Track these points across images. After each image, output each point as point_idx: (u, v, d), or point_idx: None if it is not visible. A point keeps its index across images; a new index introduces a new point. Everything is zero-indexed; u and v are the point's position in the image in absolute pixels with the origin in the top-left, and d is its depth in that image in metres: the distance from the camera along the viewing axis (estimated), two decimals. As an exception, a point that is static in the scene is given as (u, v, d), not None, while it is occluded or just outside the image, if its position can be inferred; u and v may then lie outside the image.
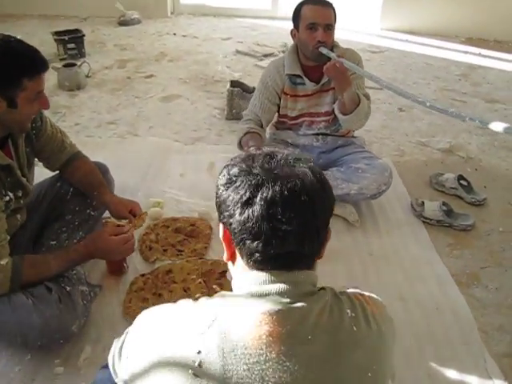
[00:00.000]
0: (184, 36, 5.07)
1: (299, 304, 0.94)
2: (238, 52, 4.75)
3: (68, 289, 1.83)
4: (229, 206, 0.99)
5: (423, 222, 2.77)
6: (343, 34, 5.41)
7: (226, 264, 1.38)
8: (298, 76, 2.61)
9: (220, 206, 1.03)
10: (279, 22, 5.52)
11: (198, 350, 0.91)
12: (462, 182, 3.04)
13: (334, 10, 2.45)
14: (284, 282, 0.96)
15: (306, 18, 2.44)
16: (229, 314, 0.94)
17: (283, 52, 4.83)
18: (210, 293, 2.09)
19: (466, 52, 5.26)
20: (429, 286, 2.32)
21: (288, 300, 0.94)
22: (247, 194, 0.96)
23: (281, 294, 0.95)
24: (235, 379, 0.88)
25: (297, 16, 2.49)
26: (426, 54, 5.11)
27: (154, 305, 1.90)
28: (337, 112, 2.56)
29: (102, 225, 2.25)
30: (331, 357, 0.92)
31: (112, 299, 2.09)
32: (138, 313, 1.79)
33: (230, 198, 0.99)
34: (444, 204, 2.81)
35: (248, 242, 0.97)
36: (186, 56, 4.61)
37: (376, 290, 1.23)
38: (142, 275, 2.19)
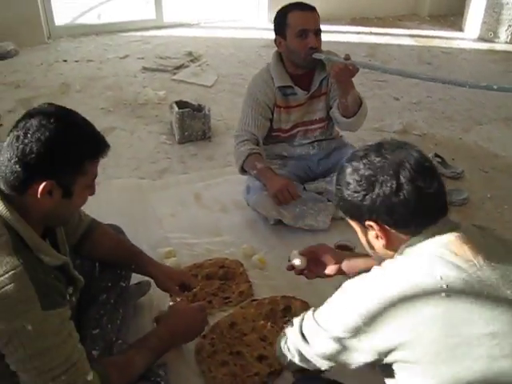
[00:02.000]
0: (77, 61, 4.60)
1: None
2: (145, 69, 4.43)
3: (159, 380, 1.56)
4: (379, 200, 1.14)
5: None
6: (235, 32, 5.36)
7: (283, 298, 1.99)
8: (289, 87, 2.47)
9: (362, 207, 1.17)
10: (168, 31, 5.25)
11: (439, 276, 1.05)
12: (436, 159, 3.12)
13: (317, 13, 2.36)
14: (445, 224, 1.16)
15: (294, 26, 2.31)
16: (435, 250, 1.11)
17: (192, 61, 4.62)
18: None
19: (358, 32, 5.45)
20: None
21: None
22: (394, 183, 1.12)
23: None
24: (482, 284, 1.05)
25: (282, 24, 2.35)
26: (325, 41, 5.18)
27: (237, 365, 1.73)
28: (338, 116, 2.47)
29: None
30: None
31: (186, 373, 1.81)
32: (227, 380, 1.69)
33: (380, 193, 1.13)
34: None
35: (408, 216, 1.14)
36: (93, 83, 4.19)
37: None
38: (203, 337, 1.93)
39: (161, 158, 3.16)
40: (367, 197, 1.16)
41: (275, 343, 1.88)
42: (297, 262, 1.75)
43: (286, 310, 2.06)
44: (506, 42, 5.33)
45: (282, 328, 1.94)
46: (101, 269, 1.85)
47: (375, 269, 1.17)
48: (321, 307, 1.29)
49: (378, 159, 1.17)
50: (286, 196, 2.33)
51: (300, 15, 2.32)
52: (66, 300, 1.36)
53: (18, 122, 1.25)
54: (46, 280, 1.22)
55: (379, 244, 1.23)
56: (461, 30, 5.69)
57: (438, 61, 4.87)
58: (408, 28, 5.72)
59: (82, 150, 1.27)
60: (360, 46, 5.08)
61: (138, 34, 5.27)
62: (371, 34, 5.47)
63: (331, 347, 1.19)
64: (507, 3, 5.14)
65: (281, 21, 2.37)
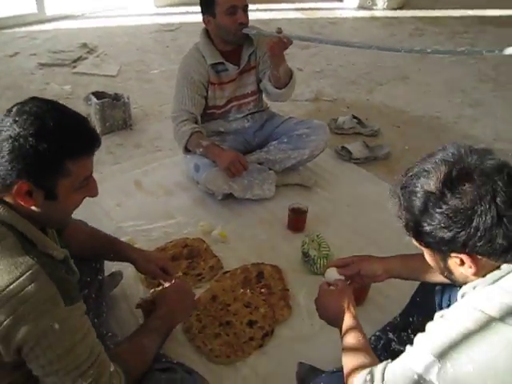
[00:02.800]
0: (-40, 64, 4.26)
1: None
2: (42, 65, 4.20)
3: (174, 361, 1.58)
4: (478, 234, 0.99)
5: (354, 163, 2.98)
6: (124, 20, 5.25)
7: (253, 266, 2.08)
8: (220, 63, 2.51)
9: (451, 242, 1.03)
10: (53, 24, 4.99)
11: None
12: (354, 120, 3.33)
13: None
14: None
15: (223, 3, 2.34)
16: None
17: (89, 53, 4.46)
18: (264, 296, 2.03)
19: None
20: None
21: None
22: (494, 212, 0.98)
23: None
24: None
25: (210, 2, 2.37)
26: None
27: (229, 335, 1.78)
28: (270, 87, 2.55)
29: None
30: None
31: (182, 352, 1.83)
32: (232, 351, 1.80)
33: (479, 227, 0.99)
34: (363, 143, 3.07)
35: (508, 246, 1.00)
36: (-12, 84, 3.92)
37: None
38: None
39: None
40: (462, 232, 1.00)
41: (260, 307, 1.97)
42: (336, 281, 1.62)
43: (259, 276, 2.13)
44: (384, 9, 5.72)
45: (261, 293, 2.03)
46: (77, 264, 1.79)
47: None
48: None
49: (467, 184, 1.00)
50: (238, 167, 2.39)
51: None
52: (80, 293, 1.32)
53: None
54: (61, 275, 1.17)
55: (463, 271, 1.09)
56: (340, 0, 5.99)
57: (327, 31, 5.11)
58: (292, 2, 5.92)
59: (58, 148, 1.14)
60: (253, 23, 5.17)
61: (23, 29, 4.96)
62: (258, 10, 5.58)
63: None
64: (381, -27, 5.53)
65: (209, 0, 2.39)
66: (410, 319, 1.73)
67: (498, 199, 0.98)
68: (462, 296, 1.11)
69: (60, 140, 1.14)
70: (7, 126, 1.12)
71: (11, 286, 1.05)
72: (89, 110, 3.27)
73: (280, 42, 2.31)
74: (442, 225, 1.02)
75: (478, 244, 1.00)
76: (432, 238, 1.05)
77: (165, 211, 2.54)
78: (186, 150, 2.51)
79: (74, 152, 1.17)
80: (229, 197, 2.56)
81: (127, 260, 1.81)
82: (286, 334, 1.92)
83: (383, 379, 1.13)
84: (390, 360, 1.18)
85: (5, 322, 1.05)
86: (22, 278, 1.06)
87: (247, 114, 2.72)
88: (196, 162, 2.49)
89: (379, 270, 1.66)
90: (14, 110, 1.15)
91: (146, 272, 1.81)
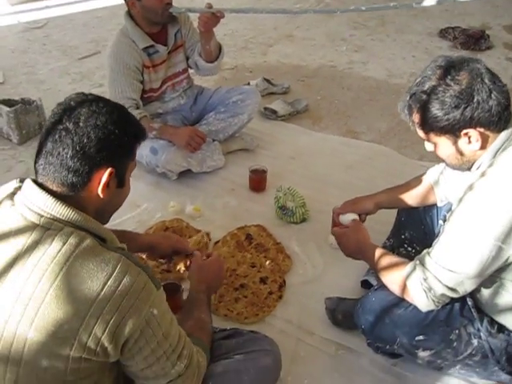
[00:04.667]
0: None
1: None
2: None
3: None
4: (480, 107, 1.31)
5: (281, 120, 3.16)
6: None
7: (239, 229, 2.27)
8: (151, 46, 2.52)
9: (461, 119, 1.33)
10: None
11: None
12: (265, 81, 3.49)
13: None
14: None
15: None
16: None
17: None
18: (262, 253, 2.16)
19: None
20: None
21: None
22: (486, 88, 1.31)
23: None
24: None
25: None
26: (87, 10, 5.07)
27: (248, 296, 1.90)
28: (202, 62, 2.62)
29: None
30: None
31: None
32: (258, 309, 1.95)
33: (479, 100, 1.31)
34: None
35: (501, 113, 1.33)
36: None
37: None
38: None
39: (13, 164, 2.89)
40: (468, 108, 1.31)
41: (264, 264, 2.09)
42: (353, 217, 1.90)
43: (249, 237, 2.25)
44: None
45: (258, 252, 2.15)
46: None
47: (480, 186, 1.32)
48: (441, 253, 1.37)
49: (461, 73, 1.32)
50: (198, 140, 2.45)
51: None
52: None
53: (54, 118, 1.14)
54: (141, 264, 1.21)
55: (472, 148, 1.37)
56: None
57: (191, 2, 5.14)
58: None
59: (134, 132, 1.23)
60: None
61: None
62: None
63: (479, 281, 1.35)
64: None
65: None
66: (402, 236, 2.00)
67: (486, 79, 1.31)
68: (471, 187, 1.36)
69: (133, 126, 1.22)
70: (86, 116, 1.13)
71: (109, 282, 1.06)
72: (-3, 121, 3.07)
73: (213, 16, 2.38)
74: (453, 105, 1.32)
75: (481, 114, 1.31)
76: (446, 121, 1.35)
77: (129, 202, 2.45)
78: None
79: (141, 136, 1.25)
80: (181, 175, 2.60)
81: (145, 246, 1.79)
82: (296, 281, 2.07)
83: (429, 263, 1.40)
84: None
85: (111, 321, 1.05)
86: (115, 272, 1.08)
87: (181, 92, 2.76)
88: (152, 146, 2.50)
89: (371, 205, 1.94)
90: (77, 102, 1.16)
91: (173, 252, 1.81)
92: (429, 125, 1.40)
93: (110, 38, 4.31)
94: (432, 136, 1.44)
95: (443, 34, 4.34)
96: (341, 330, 1.87)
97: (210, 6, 2.40)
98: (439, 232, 1.88)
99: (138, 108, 2.48)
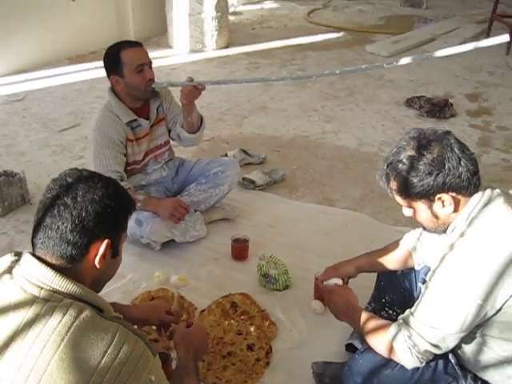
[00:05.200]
0: None
1: None
2: None
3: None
4: (451, 174, 1.43)
5: (259, 190, 3.28)
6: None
7: (224, 298, 2.32)
8: (133, 120, 2.63)
9: (434, 185, 1.45)
10: None
11: None
12: (242, 153, 3.62)
13: None
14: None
15: (131, 62, 2.47)
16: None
17: None
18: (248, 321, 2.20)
19: (81, 70, 5.58)
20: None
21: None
22: (455, 155, 1.45)
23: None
24: None
25: (117, 63, 2.49)
26: (66, 83, 5.21)
27: (236, 363, 1.94)
28: (184, 134, 2.74)
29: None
30: None
31: None
32: (246, 376, 1.99)
33: (450, 167, 1.43)
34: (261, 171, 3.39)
35: (470, 179, 1.45)
36: None
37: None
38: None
39: (-5, 237, 2.91)
40: (440, 175, 1.43)
41: (250, 331, 2.14)
42: (338, 282, 2.01)
43: (234, 305, 2.29)
44: (214, 49, 6.16)
45: (243, 319, 2.20)
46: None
47: (461, 246, 1.42)
48: (424, 311, 1.47)
49: (432, 143, 1.46)
50: (181, 211, 2.53)
51: (134, 52, 2.49)
52: None
53: (51, 194, 1.21)
54: (138, 332, 1.26)
55: (446, 211, 1.49)
56: (170, 47, 6.30)
57: (169, 77, 5.35)
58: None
59: (127, 204, 1.31)
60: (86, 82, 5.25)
61: None
62: (97, 68, 5.64)
63: (460, 337, 1.43)
64: (206, 17, 5.97)
65: (114, 60, 2.49)
66: (383, 300, 2.09)
67: (455, 148, 1.45)
68: (451, 247, 1.46)
69: (125, 198, 1.31)
70: (84, 191, 1.21)
71: (109, 351, 1.10)
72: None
73: (194, 89, 2.52)
74: (426, 171, 1.44)
75: (452, 180, 1.43)
76: (420, 187, 1.46)
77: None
78: None
79: (132, 208, 1.35)
80: (164, 245, 2.66)
81: (132, 322, 1.82)
82: (282, 347, 2.12)
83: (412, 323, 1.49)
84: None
85: None
86: (115, 341, 1.12)
87: (163, 164, 2.86)
88: (137, 217, 2.56)
89: (352, 269, 2.03)
90: (73, 178, 1.24)
91: (161, 323, 1.87)
92: (406, 191, 1.52)
93: (89, 111, 4.56)
94: (409, 201, 1.55)
95: (409, 103, 4.59)
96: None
97: (191, 80, 2.53)
98: (419, 294, 1.99)
99: (122, 180, 2.56)
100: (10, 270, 1.21)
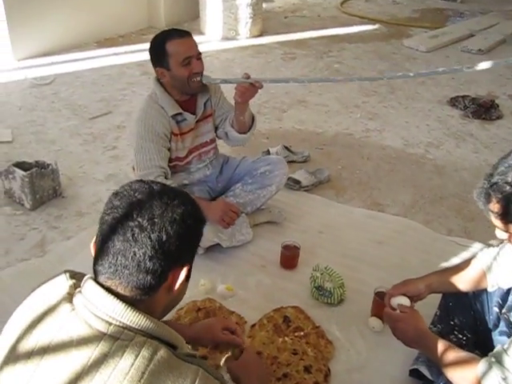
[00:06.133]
0: None
1: None
2: None
3: None
4: None
5: (304, 191, 3.10)
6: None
7: (275, 312, 2.17)
8: (179, 113, 2.46)
9: None
10: None
11: None
12: (286, 149, 3.45)
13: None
14: None
15: (177, 54, 2.28)
16: None
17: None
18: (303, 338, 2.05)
19: (110, 54, 5.42)
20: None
21: None
22: None
23: None
24: None
25: (162, 55, 2.31)
26: (95, 67, 5.05)
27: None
28: (234, 133, 2.57)
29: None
30: None
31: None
32: None
33: None
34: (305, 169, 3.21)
35: None
36: None
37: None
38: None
39: (25, 231, 2.76)
40: None
41: (307, 350, 1.98)
42: (406, 302, 1.81)
43: (286, 320, 2.13)
44: (247, 37, 5.96)
45: (298, 336, 2.04)
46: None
47: None
48: None
49: None
50: (232, 215, 2.37)
51: (181, 43, 2.29)
52: None
53: (119, 213, 1.03)
54: (218, 375, 1.10)
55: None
56: (202, 33, 6.11)
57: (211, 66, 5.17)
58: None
59: (203, 220, 1.15)
60: (129, 67, 5.08)
61: None
62: (126, 52, 5.48)
63: None
64: (241, 4, 5.76)
65: (160, 52, 2.31)
66: (452, 323, 1.93)
67: None
68: None
69: (200, 212, 1.14)
70: (160, 210, 1.03)
71: None
72: (9, 185, 2.97)
73: (252, 87, 2.34)
74: None
75: None
76: None
77: None
78: None
79: (205, 221, 1.17)
80: (208, 250, 2.51)
81: (186, 341, 1.69)
82: (340, 369, 1.96)
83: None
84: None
85: None
86: None
87: (208, 163, 2.69)
88: None
89: (423, 288, 1.85)
90: (145, 194, 1.06)
91: (216, 343, 1.70)
92: (509, 216, 1.36)
93: (121, 98, 4.40)
94: (509, 226, 1.39)
95: (453, 102, 4.39)
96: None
97: (247, 77, 2.35)
98: (494, 319, 1.83)
99: (166, 177, 2.39)
100: (70, 299, 1.04)
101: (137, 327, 0.99)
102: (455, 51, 5.82)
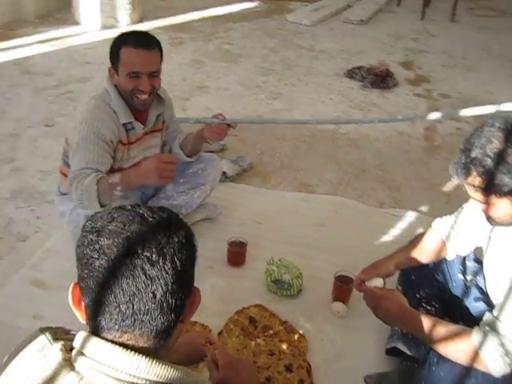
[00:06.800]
0: None
1: None
2: None
3: None
4: None
5: (230, 181, 3.02)
6: None
7: (239, 314, 2.08)
8: (129, 122, 2.24)
9: None
10: None
11: None
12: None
13: (159, 48, 2.12)
14: None
15: (126, 65, 2.06)
16: None
17: None
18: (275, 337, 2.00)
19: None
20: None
21: None
22: None
23: None
24: None
25: (115, 57, 2.08)
26: None
27: None
28: (183, 157, 2.46)
29: None
30: None
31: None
32: None
33: None
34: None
35: None
36: None
37: None
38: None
39: None
40: None
41: (283, 349, 1.93)
42: (380, 283, 1.80)
43: (253, 321, 2.06)
44: (128, 25, 5.64)
45: (268, 335, 1.98)
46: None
47: None
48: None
49: None
50: (169, 167, 2.06)
51: (133, 54, 2.04)
52: None
53: (116, 252, 0.85)
54: None
55: None
56: (77, 23, 5.69)
57: (87, 58, 4.83)
58: (28, 35, 5.35)
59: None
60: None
61: None
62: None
63: None
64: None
65: (114, 53, 2.08)
66: (417, 295, 1.96)
67: None
68: None
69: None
70: (165, 237, 0.88)
71: None
72: None
73: (227, 128, 2.27)
74: None
75: None
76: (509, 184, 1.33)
77: None
78: (100, 204, 2.10)
79: None
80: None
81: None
82: (319, 361, 1.93)
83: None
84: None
85: None
86: None
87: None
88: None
89: (392, 267, 1.88)
90: (137, 223, 0.88)
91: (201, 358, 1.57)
92: (491, 188, 1.38)
93: (5, 103, 3.94)
94: (489, 197, 1.41)
95: (350, 74, 4.50)
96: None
97: (223, 118, 2.25)
98: (461, 286, 1.89)
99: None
100: (70, 366, 0.85)
101: (164, 381, 0.85)
102: (338, 23, 5.99)
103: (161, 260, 0.84)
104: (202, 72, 4.51)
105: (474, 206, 1.70)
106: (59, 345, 0.89)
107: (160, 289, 0.84)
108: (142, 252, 0.84)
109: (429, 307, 1.93)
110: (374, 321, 1.89)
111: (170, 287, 0.84)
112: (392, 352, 1.90)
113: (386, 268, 1.88)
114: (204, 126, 2.35)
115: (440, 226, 1.87)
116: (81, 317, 0.93)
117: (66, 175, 2.32)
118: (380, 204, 2.87)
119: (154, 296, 0.84)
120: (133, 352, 0.83)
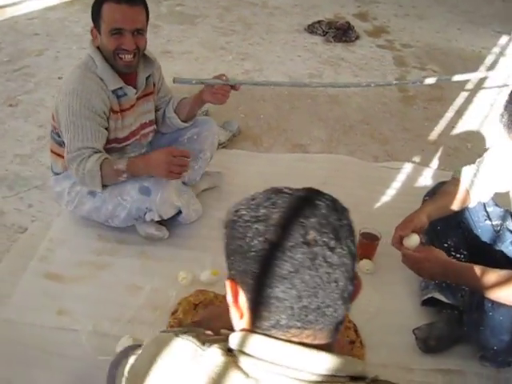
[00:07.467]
0: None
1: None
2: None
3: None
4: None
5: (223, 148, 2.95)
6: None
7: None
8: (119, 88, 2.11)
9: None
10: None
11: None
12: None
13: (144, 5, 1.98)
14: None
15: (108, 22, 1.92)
16: None
17: None
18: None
19: None
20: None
21: None
22: None
23: None
24: None
25: (97, 14, 1.94)
26: None
27: None
28: (177, 120, 2.36)
29: None
30: None
31: None
32: None
33: None
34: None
35: None
36: None
37: None
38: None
39: None
40: None
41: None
42: (417, 239, 1.80)
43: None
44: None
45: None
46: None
47: None
48: None
49: None
50: (180, 162, 2.06)
51: (115, 9, 1.90)
52: None
53: (291, 240, 0.77)
54: None
55: None
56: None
57: (36, 29, 4.49)
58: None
59: None
60: None
61: None
62: None
63: None
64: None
65: (96, 9, 1.94)
66: (446, 245, 2.03)
67: None
68: None
69: None
70: (335, 217, 0.81)
71: None
72: None
73: (230, 89, 2.18)
74: None
75: None
76: None
77: (126, 286, 2.10)
78: (102, 185, 2.07)
79: None
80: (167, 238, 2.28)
81: None
82: (360, 320, 1.92)
83: None
84: None
85: None
86: None
87: (145, 146, 2.39)
88: (142, 185, 2.08)
89: (425, 219, 1.90)
90: (302, 200, 0.83)
91: None
92: None
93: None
94: None
95: (311, 29, 4.46)
96: (434, 356, 1.84)
97: (226, 79, 2.15)
98: (490, 232, 1.96)
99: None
100: (235, 366, 0.78)
101: (344, 375, 0.78)
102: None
103: (338, 245, 0.78)
104: (161, 36, 4.32)
105: (497, 153, 1.77)
106: (215, 348, 0.82)
107: (341, 276, 0.78)
108: (321, 238, 0.77)
109: (458, 255, 1.99)
110: (402, 274, 1.96)
111: (350, 273, 0.79)
112: (428, 302, 1.96)
113: (419, 220, 1.88)
114: (203, 88, 2.26)
115: (466, 175, 1.92)
116: (237, 315, 0.86)
117: (58, 154, 2.21)
118: (374, 158, 2.91)
119: (337, 285, 0.78)
120: (316, 350, 0.77)
